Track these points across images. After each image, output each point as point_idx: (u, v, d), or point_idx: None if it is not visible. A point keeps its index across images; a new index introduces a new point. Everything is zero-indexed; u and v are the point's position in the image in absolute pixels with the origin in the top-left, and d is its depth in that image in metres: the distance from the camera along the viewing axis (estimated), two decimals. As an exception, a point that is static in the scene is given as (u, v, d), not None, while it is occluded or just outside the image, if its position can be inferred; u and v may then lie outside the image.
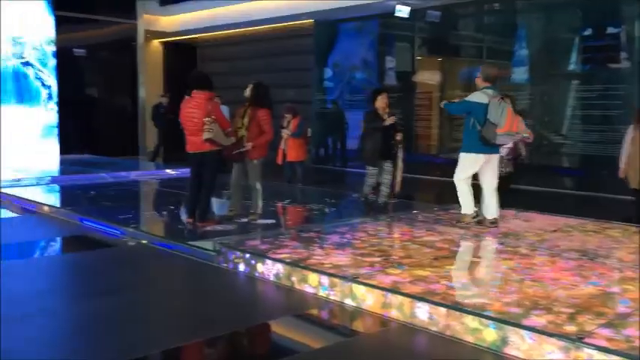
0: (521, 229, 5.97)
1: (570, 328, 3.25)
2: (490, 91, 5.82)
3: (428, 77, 13.26)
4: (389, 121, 6.94)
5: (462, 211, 6.08)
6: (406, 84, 12.92)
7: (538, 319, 3.38)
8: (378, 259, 4.71)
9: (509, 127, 5.68)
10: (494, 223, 5.99)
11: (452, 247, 5.22)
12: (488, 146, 5.79)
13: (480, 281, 4.29)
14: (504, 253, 5.02)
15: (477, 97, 5.84)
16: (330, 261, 4.62)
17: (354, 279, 4.13)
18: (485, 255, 5.17)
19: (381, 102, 7.02)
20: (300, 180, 9.29)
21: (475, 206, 6.05)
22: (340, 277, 4.19)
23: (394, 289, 3.90)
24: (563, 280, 4.20)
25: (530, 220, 6.47)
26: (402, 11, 11.22)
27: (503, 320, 3.37)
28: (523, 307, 3.59)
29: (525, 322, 3.35)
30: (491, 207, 6.00)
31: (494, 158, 5.99)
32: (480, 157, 5.88)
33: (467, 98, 5.99)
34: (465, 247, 5.32)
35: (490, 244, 5.47)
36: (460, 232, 5.78)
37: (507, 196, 6.91)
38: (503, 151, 6.86)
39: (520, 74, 11.42)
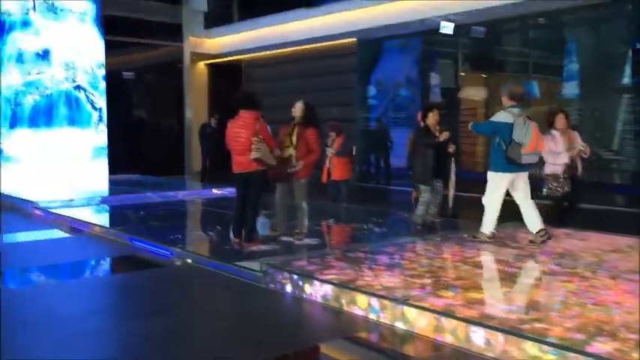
0: (577, 249, 5.73)
1: (638, 356, 3.06)
2: (516, 110, 5.79)
3: (473, 93, 13.07)
4: (443, 136, 6.76)
5: (481, 229, 6.01)
6: (450, 100, 12.76)
7: (603, 346, 3.20)
8: (429, 280, 4.58)
9: (535, 146, 5.64)
10: (543, 235, 5.82)
11: (506, 268, 5.03)
12: (514, 165, 5.72)
13: (539, 305, 4.10)
14: (562, 274, 4.80)
15: (503, 116, 5.82)
16: (379, 282, 4.51)
17: (405, 301, 4.01)
18: (542, 277, 4.94)
19: (432, 119, 6.86)
20: (345, 199, 9.21)
21: (495, 228, 6.00)
22: (391, 300, 4.08)
23: (448, 313, 3.77)
24: (627, 303, 3.98)
25: (585, 240, 6.21)
26: (447, 27, 11.12)
27: (565, 347, 3.20)
28: (586, 333, 3.40)
29: (589, 349, 3.17)
30: (532, 221, 5.89)
31: (523, 175, 5.90)
32: (507, 176, 5.83)
33: (492, 118, 5.99)
34: (520, 268, 5.12)
35: (546, 265, 5.25)
36: (513, 253, 5.58)
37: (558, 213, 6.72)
38: (559, 169, 6.63)
39: (570, 89, 11.12)
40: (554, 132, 6.70)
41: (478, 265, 5.06)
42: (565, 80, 11.17)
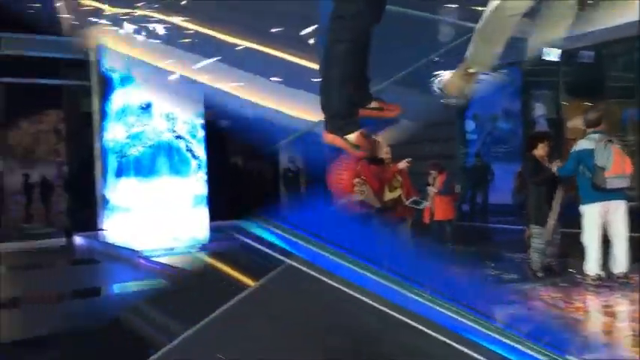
0: None
1: None
2: (596, 136, 5.46)
3: (580, 123, 12.24)
4: (555, 165, 5.97)
5: (585, 271, 5.50)
6: (555, 131, 11.97)
7: None
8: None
9: (620, 169, 5.31)
10: (622, 278, 5.34)
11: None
12: (601, 193, 5.35)
13: None
14: None
15: (584, 144, 5.51)
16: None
17: None
18: None
19: (542, 150, 6.11)
20: (450, 240, 8.68)
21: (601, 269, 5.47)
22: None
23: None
24: None
25: None
26: (552, 54, 10.45)
27: None
28: None
29: None
30: (618, 260, 5.40)
31: (617, 206, 5.41)
32: (596, 206, 5.42)
33: (573, 148, 5.66)
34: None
35: None
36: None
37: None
38: None
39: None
40: None
41: (626, 316, 4.41)
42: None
